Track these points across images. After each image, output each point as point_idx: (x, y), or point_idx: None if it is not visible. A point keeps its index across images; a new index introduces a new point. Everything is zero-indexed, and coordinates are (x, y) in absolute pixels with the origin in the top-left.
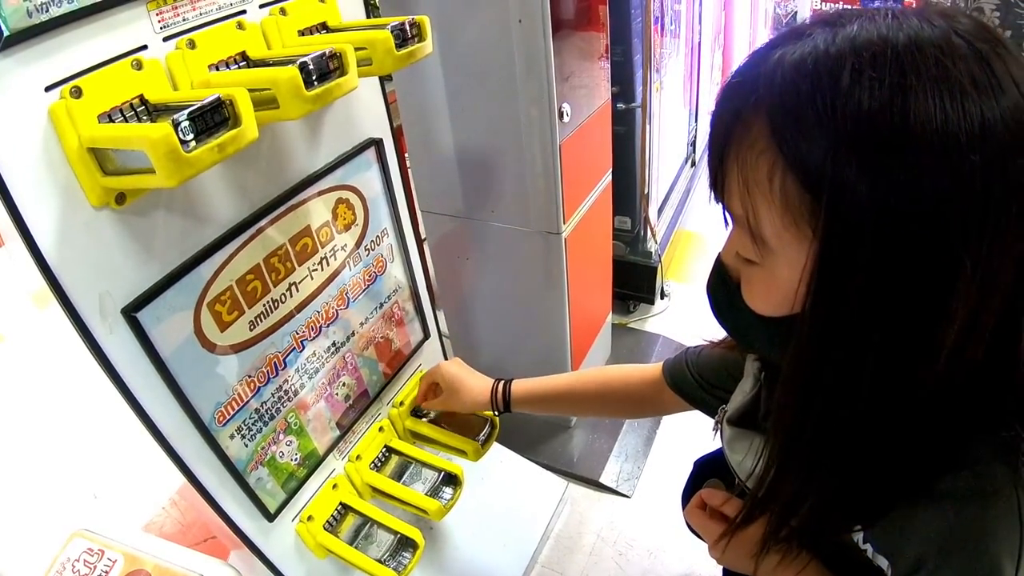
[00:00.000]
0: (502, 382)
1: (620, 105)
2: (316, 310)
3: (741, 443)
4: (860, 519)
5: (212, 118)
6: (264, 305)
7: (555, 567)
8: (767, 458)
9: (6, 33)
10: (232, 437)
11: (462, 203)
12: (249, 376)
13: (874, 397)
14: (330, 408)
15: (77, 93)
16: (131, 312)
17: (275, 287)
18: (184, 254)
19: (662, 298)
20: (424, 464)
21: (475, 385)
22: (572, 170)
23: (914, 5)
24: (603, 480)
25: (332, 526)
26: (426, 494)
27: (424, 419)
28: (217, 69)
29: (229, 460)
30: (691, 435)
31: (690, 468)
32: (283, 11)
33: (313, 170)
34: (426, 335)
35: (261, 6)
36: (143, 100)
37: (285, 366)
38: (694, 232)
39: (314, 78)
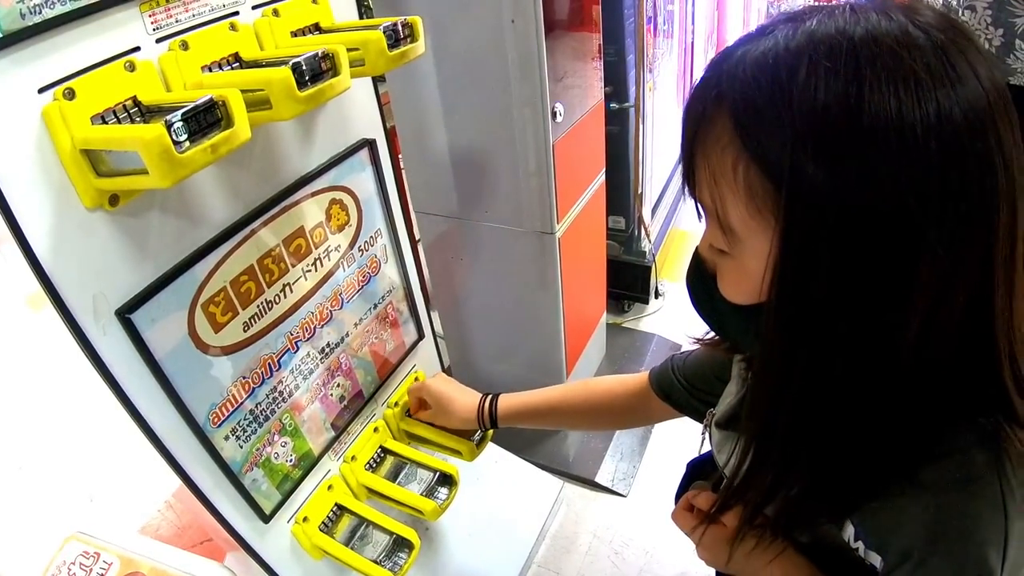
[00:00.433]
0: (488, 397)
1: (613, 105)
2: (310, 311)
3: (729, 445)
4: (836, 509)
5: (205, 119)
6: (258, 306)
7: (551, 567)
8: (742, 447)
9: None
10: (227, 438)
11: (456, 203)
12: (243, 377)
13: (843, 384)
14: (325, 409)
15: (70, 95)
16: (125, 314)
17: (269, 288)
18: (178, 255)
19: (656, 297)
20: (419, 464)
21: (462, 402)
22: (565, 170)
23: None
24: (599, 480)
25: (328, 527)
26: (421, 494)
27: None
28: (210, 70)
29: (224, 461)
30: (686, 434)
31: (684, 469)
32: (276, 12)
33: (306, 171)
34: (420, 336)
35: (254, 7)
36: (136, 101)
37: (279, 367)
38: (688, 231)
39: (307, 79)
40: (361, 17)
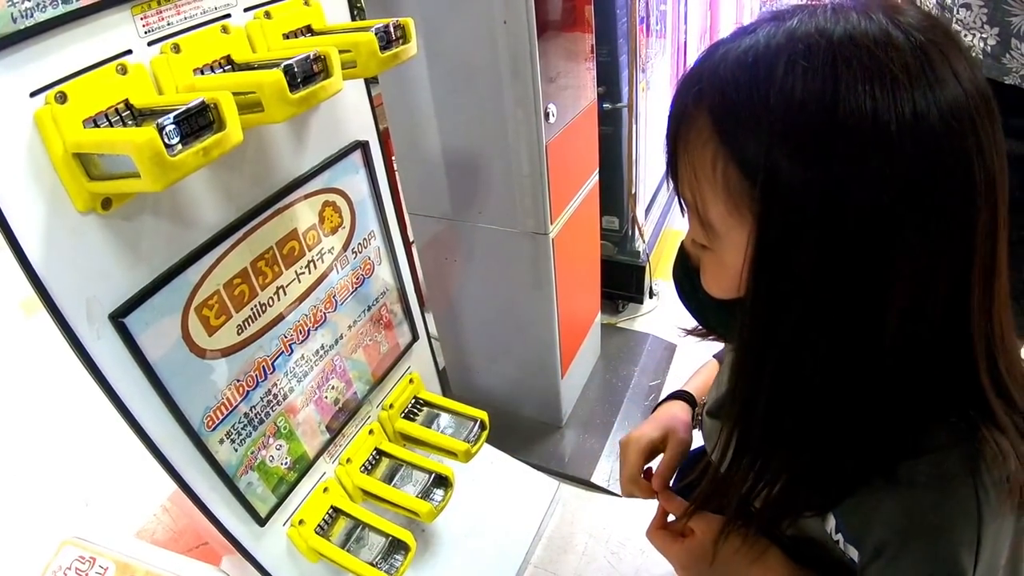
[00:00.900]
0: (684, 401)
1: (606, 105)
2: (304, 313)
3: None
4: (816, 503)
5: (197, 122)
6: (252, 309)
7: (548, 567)
8: (723, 442)
9: None
10: (221, 442)
11: (449, 205)
12: (238, 380)
13: (817, 379)
14: (319, 411)
15: (62, 98)
16: (118, 317)
17: (262, 291)
18: (171, 259)
19: (651, 297)
20: (415, 466)
21: (677, 418)
22: (559, 171)
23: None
24: (594, 480)
25: (323, 530)
26: (417, 496)
27: (415, 422)
28: (202, 73)
29: (219, 465)
30: None
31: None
32: (268, 14)
33: (299, 173)
34: (415, 337)
35: (246, 10)
36: (128, 105)
37: (274, 370)
38: (682, 231)
39: (299, 81)
40: (353, 19)
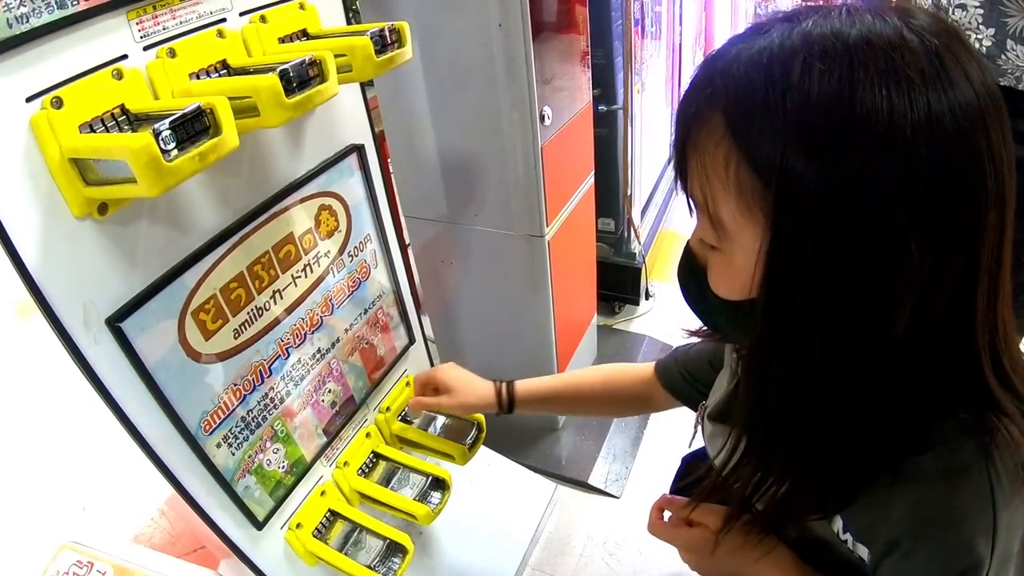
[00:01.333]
0: (504, 383)
1: (602, 107)
2: (300, 317)
3: (720, 438)
4: (823, 504)
5: (193, 127)
6: (248, 313)
7: (545, 569)
8: (733, 440)
9: None
10: (219, 446)
11: (445, 208)
12: (235, 384)
13: (829, 378)
14: (316, 415)
15: (58, 103)
16: (115, 322)
17: (259, 295)
18: (167, 263)
19: (647, 299)
20: (412, 469)
21: (477, 386)
22: (554, 173)
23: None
24: (591, 481)
25: (321, 533)
26: (414, 499)
27: (411, 425)
28: (198, 77)
29: (216, 469)
30: (678, 435)
31: (676, 469)
32: (263, 19)
33: (295, 177)
34: (411, 340)
35: (241, 14)
36: (124, 110)
37: (271, 373)
38: (678, 232)
39: (294, 85)
40: (348, 22)
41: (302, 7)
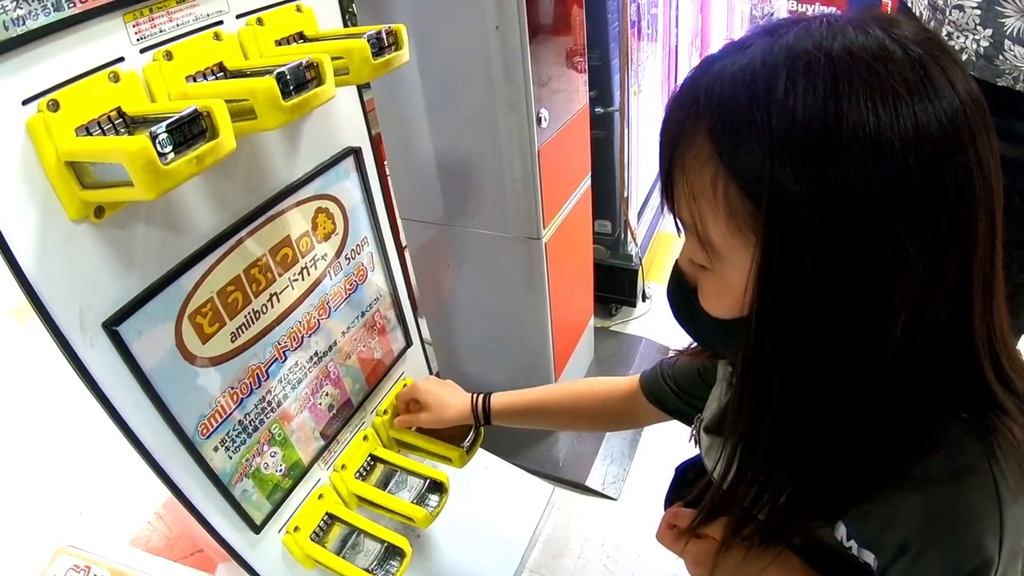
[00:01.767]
0: (481, 396)
1: (598, 109)
2: (298, 320)
3: (717, 450)
4: (824, 513)
5: (190, 130)
6: (245, 316)
7: (543, 571)
8: (728, 455)
9: None
10: (216, 449)
11: (442, 210)
12: (232, 388)
13: (826, 390)
14: (314, 418)
15: (54, 106)
16: (112, 326)
17: (256, 298)
18: (164, 266)
19: (644, 300)
20: (409, 472)
21: (455, 401)
22: (551, 175)
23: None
24: (589, 483)
25: (319, 536)
26: (412, 502)
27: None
28: (195, 80)
29: (213, 472)
30: (675, 437)
31: (672, 472)
32: (260, 21)
33: (292, 180)
34: (408, 343)
35: (238, 16)
36: (120, 112)
37: (268, 377)
38: (674, 234)
39: (291, 88)
40: (345, 25)
41: (299, 10)
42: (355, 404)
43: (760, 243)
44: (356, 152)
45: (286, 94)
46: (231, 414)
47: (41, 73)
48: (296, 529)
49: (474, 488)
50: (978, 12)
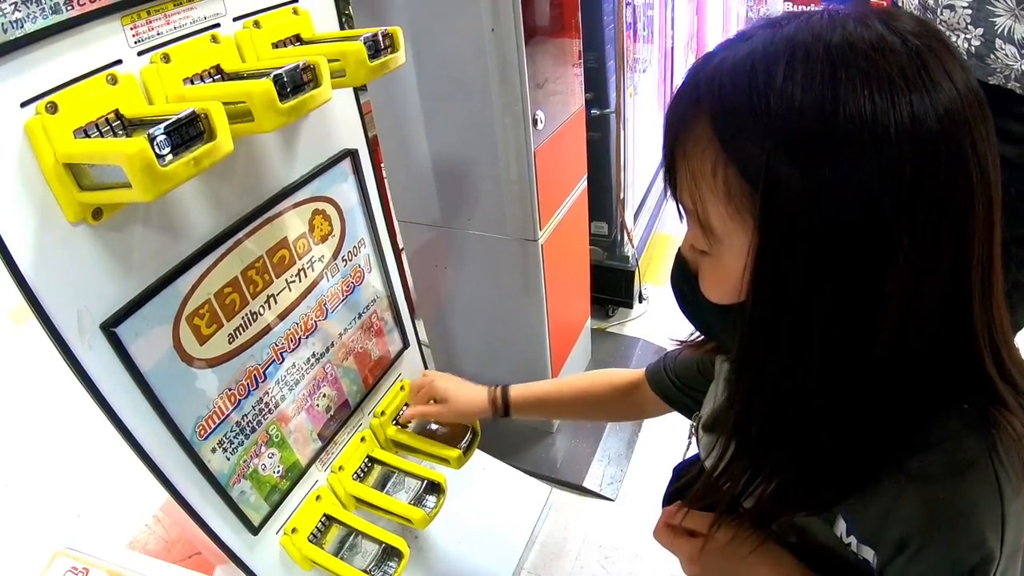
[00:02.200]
0: (499, 388)
1: (594, 111)
2: (295, 322)
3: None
4: (812, 504)
5: (187, 132)
6: (243, 318)
7: (541, 572)
8: (722, 445)
9: None
10: (214, 451)
11: (439, 212)
12: (229, 389)
13: (820, 376)
14: (311, 419)
15: (53, 108)
16: (110, 327)
17: (253, 300)
18: (162, 268)
19: (640, 302)
20: (407, 473)
21: (471, 393)
22: (547, 177)
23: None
24: (586, 484)
25: (317, 538)
26: (410, 503)
27: (406, 429)
28: (192, 83)
29: (211, 474)
30: (672, 438)
31: (670, 473)
32: (257, 24)
33: (289, 182)
34: (405, 344)
35: (235, 19)
36: (118, 115)
37: (265, 378)
38: (670, 235)
39: (288, 90)
40: (342, 27)
41: (296, 12)
42: (352, 405)
43: (757, 227)
44: (353, 154)
45: (283, 96)
46: (229, 415)
47: (39, 75)
48: (294, 530)
49: (472, 489)
50: (969, 12)
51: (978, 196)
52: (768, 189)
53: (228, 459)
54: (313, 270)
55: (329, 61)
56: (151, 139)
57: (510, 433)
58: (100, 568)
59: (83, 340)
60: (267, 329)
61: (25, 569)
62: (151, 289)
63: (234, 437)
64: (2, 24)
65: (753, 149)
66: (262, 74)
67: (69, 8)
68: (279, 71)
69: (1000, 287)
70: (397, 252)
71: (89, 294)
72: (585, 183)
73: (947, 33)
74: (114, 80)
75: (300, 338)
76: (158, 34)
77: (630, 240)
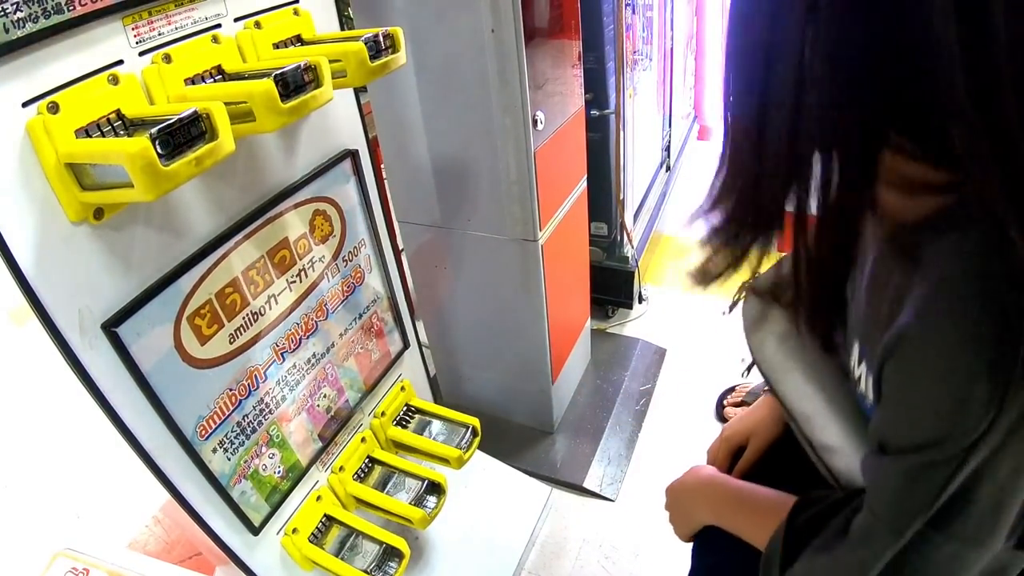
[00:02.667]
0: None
1: (594, 112)
2: (295, 322)
3: (762, 323)
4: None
5: (189, 132)
6: (243, 318)
7: (541, 573)
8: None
9: None
10: (214, 451)
11: (439, 213)
12: (230, 389)
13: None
14: (312, 420)
15: (54, 108)
16: (111, 327)
17: (254, 300)
18: (163, 268)
19: (640, 302)
20: (407, 473)
21: (762, 420)
22: (547, 177)
23: None
24: (586, 485)
25: (317, 538)
26: (410, 503)
27: (406, 429)
28: (193, 83)
29: (212, 474)
30: (672, 439)
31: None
32: (258, 24)
33: (290, 182)
34: (405, 345)
35: (236, 19)
36: (120, 115)
37: (266, 379)
38: (670, 236)
39: (289, 91)
40: (342, 28)
41: (296, 13)
42: (353, 406)
43: None
44: (353, 155)
45: (284, 96)
46: (229, 416)
47: (41, 76)
48: (294, 531)
49: (472, 490)
50: None
51: None
52: None
53: (229, 459)
54: (314, 270)
55: (330, 61)
56: (153, 139)
57: (510, 433)
58: (100, 569)
59: (84, 340)
60: (268, 329)
61: (25, 569)
62: (152, 289)
63: (235, 437)
64: (4, 24)
65: None
66: (263, 74)
67: (71, 8)
68: (280, 71)
69: None
70: (397, 252)
71: (90, 294)
72: (585, 184)
73: None
74: (115, 80)
75: (301, 338)
76: (159, 34)
77: (630, 241)
